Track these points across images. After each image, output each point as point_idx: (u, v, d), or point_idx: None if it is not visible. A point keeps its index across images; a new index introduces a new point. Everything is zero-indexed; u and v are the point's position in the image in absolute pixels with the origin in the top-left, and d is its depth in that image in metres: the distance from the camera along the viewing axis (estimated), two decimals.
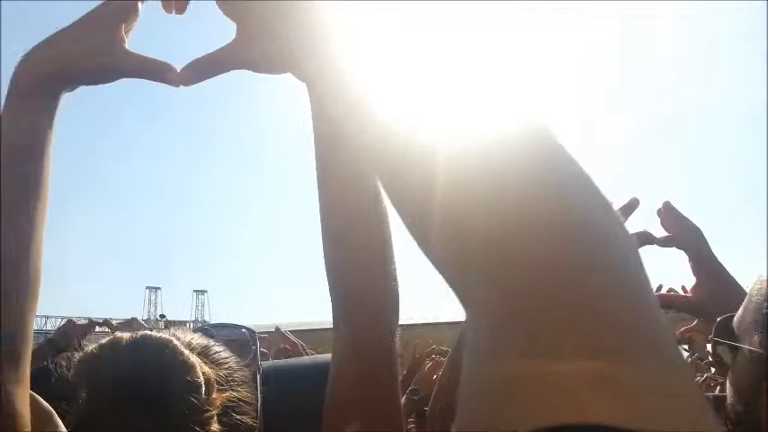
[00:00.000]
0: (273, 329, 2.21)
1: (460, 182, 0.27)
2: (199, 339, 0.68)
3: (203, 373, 0.61)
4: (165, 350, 0.61)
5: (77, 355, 0.63)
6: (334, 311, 0.68)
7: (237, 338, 0.85)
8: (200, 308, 26.32)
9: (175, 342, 0.61)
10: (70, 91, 0.61)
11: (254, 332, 0.87)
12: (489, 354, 0.24)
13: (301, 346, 2.03)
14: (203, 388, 0.60)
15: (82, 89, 0.62)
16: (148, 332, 0.62)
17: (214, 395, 0.62)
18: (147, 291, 26.79)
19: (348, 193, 0.66)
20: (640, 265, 0.26)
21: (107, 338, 0.63)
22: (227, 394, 0.64)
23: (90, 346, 0.62)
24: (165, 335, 0.62)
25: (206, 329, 0.79)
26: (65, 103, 0.61)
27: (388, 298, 0.68)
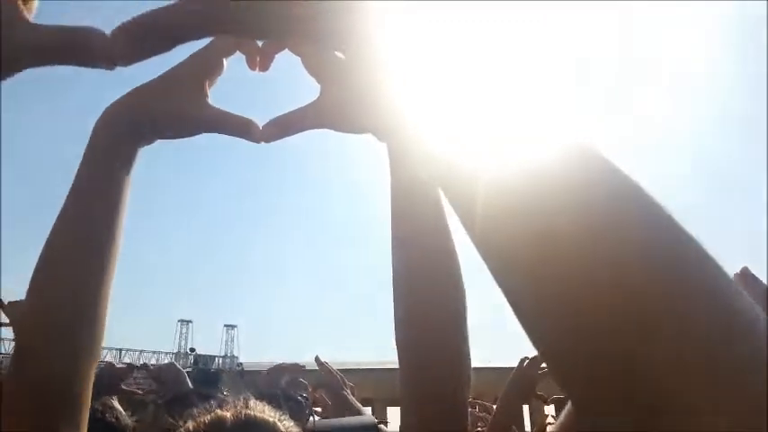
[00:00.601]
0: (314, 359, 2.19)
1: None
2: (274, 414, 0.65)
3: None
4: None
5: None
6: (405, 380, 0.64)
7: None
8: (229, 343, 26.45)
9: (279, 425, 0.59)
10: (148, 144, 0.61)
11: (308, 399, 0.84)
12: None
13: (341, 377, 2.00)
14: None
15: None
16: (249, 411, 0.60)
17: None
18: (179, 324, 27.06)
19: (426, 253, 0.65)
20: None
21: (208, 416, 0.62)
22: None
23: (189, 423, 0.60)
24: (265, 414, 0.61)
25: (272, 397, 0.76)
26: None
27: (460, 368, 0.64)
